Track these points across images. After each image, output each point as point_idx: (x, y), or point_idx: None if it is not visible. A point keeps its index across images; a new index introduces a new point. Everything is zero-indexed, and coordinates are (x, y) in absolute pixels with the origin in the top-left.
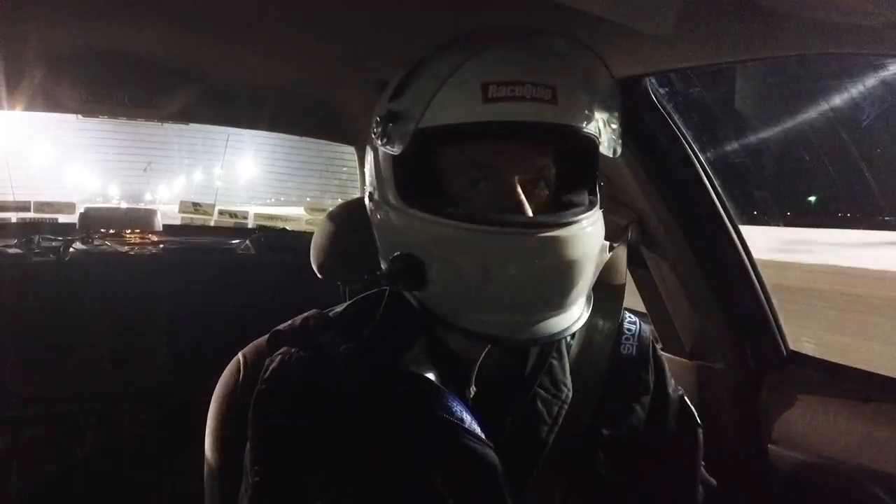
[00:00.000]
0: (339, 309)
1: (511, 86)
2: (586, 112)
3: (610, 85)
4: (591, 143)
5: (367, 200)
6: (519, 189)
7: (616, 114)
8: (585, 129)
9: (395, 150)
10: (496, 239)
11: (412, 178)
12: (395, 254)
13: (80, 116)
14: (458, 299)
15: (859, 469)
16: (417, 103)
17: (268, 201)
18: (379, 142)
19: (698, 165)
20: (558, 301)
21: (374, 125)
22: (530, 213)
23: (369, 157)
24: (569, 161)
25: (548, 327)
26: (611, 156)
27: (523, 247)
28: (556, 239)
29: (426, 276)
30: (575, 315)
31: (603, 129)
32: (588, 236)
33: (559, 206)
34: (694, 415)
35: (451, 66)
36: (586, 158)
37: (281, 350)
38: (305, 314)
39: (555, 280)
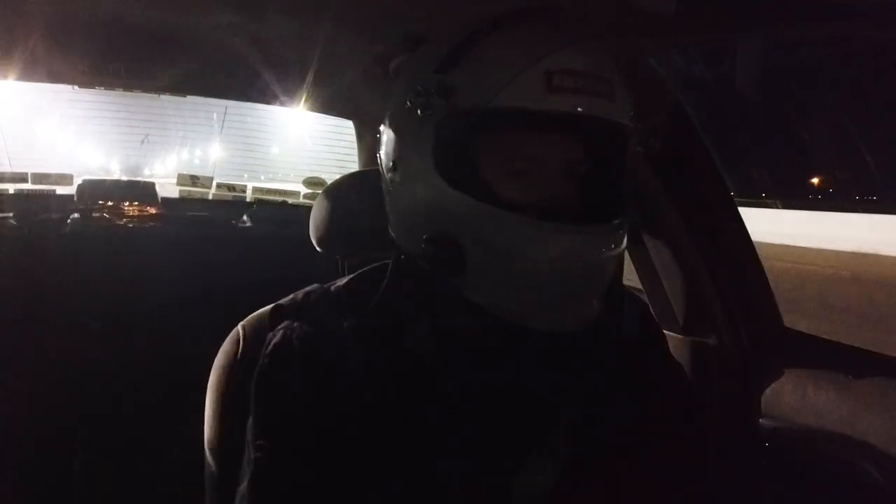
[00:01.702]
0: (340, 283)
1: (575, 76)
2: (632, 109)
3: (656, 83)
4: (631, 141)
5: (387, 173)
6: (565, 181)
7: (660, 112)
8: (634, 128)
9: (444, 125)
10: (549, 232)
11: (457, 158)
12: (432, 235)
13: (76, 87)
14: (497, 287)
15: (850, 444)
16: (475, 81)
17: (260, 178)
18: (420, 112)
19: (698, 143)
20: (595, 292)
21: (414, 94)
22: (575, 207)
23: (391, 128)
24: (613, 154)
25: (581, 316)
26: (643, 153)
27: (578, 243)
28: (606, 234)
29: (467, 261)
30: (598, 305)
31: (645, 128)
32: (626, 231)
33: (602, 199)
34: (692, 391)
35: (513, 48)
36: (622, 155)
37: (282, 325)
38: (307, 289)
39: (598, 272)
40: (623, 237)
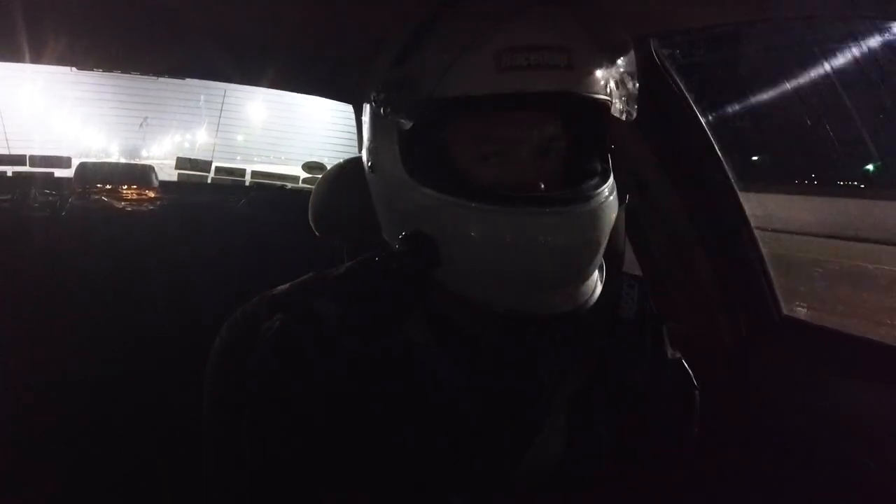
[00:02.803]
0: (336, 272)
1: (526, 52)
2: (602, 76)
3: (625, 44)
4: (607, 109)
5: (366, 168)
6: (533, 162)
7: (631, 75)
8: (602, 96)
9: (402, 121)
10: (517, 218)
11: (420, 151)
12: (405, 233)
13: (74, 70)
14: (472, 276)
15: (849, 435)
16: (426, 71)
17: (254, 160)
18: (382, 110)
19: (700, 129)
20: (578, 273)
21: (377, 91)
22: (544, 188)
23: (368, 121)
24: (581, 127)
25: (568, 300)
26: (624, 120)
27: (544, 224)
28: (577, 214)
29: (438, 254)
30: (591, 286)
31: (617, 92)
32: (607, 207)
33: (573, 176)
34: (690, 377)
35: (461, 30)
36: (599, 125)
37: (278, 316)
38: (303, 278)
39: (576, 253)
40: (604, 213)
